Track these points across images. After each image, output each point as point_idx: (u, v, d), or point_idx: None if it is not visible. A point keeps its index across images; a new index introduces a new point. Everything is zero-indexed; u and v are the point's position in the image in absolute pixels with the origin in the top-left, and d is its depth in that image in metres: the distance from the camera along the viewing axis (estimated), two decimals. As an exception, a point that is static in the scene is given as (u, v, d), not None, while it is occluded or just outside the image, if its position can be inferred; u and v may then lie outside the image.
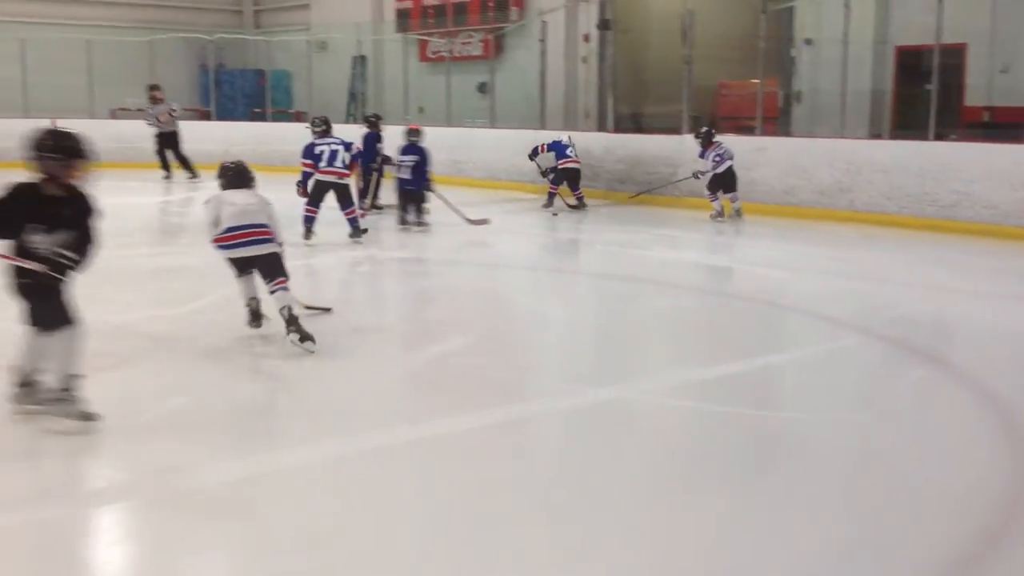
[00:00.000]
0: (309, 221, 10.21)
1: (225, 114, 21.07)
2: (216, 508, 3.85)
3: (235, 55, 23.69)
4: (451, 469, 4.27)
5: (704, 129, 12.59)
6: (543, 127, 15.99)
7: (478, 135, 16.88)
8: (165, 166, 16.67)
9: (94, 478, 4.24)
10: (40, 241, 4.45)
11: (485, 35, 18.57)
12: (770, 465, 4.46)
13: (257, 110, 21.23)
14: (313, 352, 5.88)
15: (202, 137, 17.74)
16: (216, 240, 6.23)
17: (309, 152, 10.22)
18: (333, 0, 21.79)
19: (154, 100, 16.97)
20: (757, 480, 4.26)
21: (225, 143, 18.11)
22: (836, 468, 4.44)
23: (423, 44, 19.95)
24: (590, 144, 14.96)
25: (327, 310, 7.07)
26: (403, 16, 20.26)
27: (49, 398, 4.59)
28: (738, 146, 12.58)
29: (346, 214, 10.34)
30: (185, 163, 16.51)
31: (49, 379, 4.61)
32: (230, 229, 6.19)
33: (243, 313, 6.35)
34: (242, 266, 6.31)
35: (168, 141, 16.62)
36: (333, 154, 10.19)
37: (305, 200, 10.20)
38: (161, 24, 22.15)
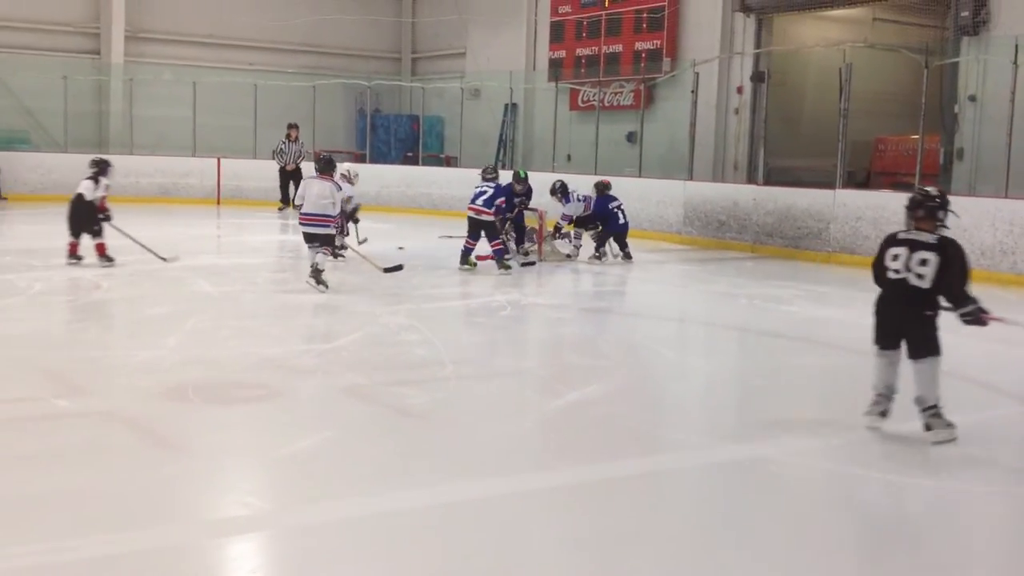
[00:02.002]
0: (465, 252, 11.46)
1: (379, 157, 21.70)
2: (353, 543, 3.89)
3: (391, 100, 24.42)
4: (584, 518, 4.21)
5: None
6: (690, 178, 15.86)
7: (624, 184, 16.83)
8: (285, 199, 17.45)
9: (236, 505, 4.34)
10: None
11: (636, 85, 18.60)
12: (918, 539, 4.23)
13: (409, 154, 21.80)
14: (324, 292, 7.36)
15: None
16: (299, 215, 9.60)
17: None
18: (488, 49, 22.24)
19: (290, 139, 17.78)
20: (900, 554, 4.04)
21: (377, 184, 18.66)
22: (989, 545, 4.18)
23: (574, 93, 20.12)
24: (738, 196, 14.76)
25: (399, 268, 10.25)
26: (556, 65, 20.51)
27: None
28: (894, 202, 12.16)
29: (492, 246, 11.35)
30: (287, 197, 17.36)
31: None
32: (303, 213, 9.59)
33: (387, 351, 6.45)
34: (308, 239, 9.58)
35: (292, 176, 17.44)
36: (478, 194, 11.32)
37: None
38: (323, 70, 23.04)
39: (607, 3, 19.31)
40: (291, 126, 18.43)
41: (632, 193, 16.42)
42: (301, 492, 4.40)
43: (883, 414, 5.52)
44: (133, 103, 21.30)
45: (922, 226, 5.42)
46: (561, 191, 12.59)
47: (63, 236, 10.60)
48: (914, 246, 5.35)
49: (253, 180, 20.20)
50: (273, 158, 18.30)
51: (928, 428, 5.35)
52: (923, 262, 5.28)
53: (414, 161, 21.27)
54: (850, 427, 5.69)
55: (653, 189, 16.06)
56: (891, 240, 5.51)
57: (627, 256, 12.64)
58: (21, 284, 9.37)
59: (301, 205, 9.73)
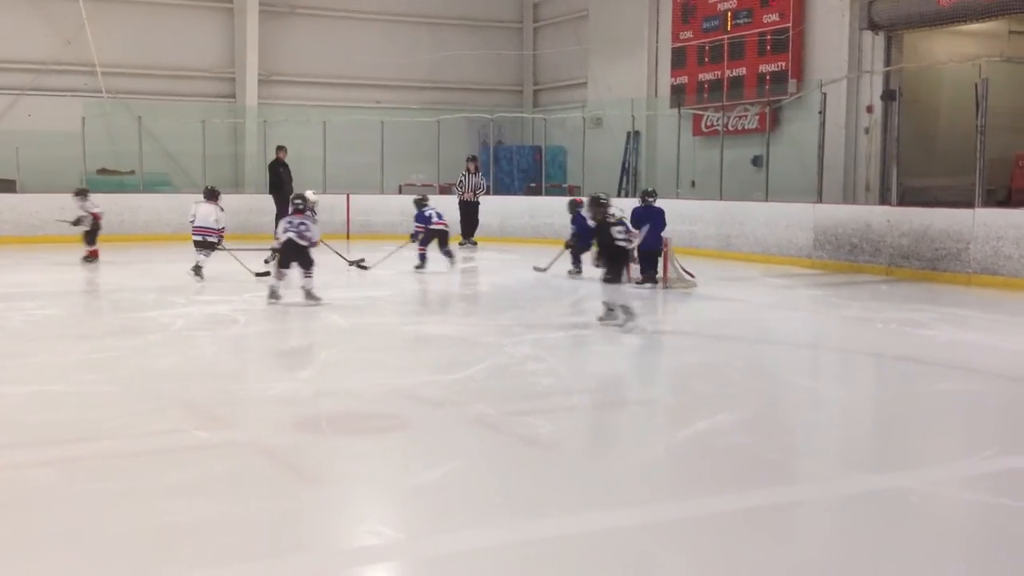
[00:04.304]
0: None
1: (502, 188, 21.93)
2: (484, 573, 3.90)
3: (513, 132, 24.68)
4: (716, 550, 4.13)
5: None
6: (820, 200, 15.51)
7: (751, 209, 16.60)
8: (465, 233, 17.67)
9: (368, 535, 4.41)
10: None
11: (761, 108, 18.33)
12: (1077, 573, 3.99)
13: (532, 184, 21.95)
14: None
15: (480, 210, 18.57)
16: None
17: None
18: (609, 78, 22.28)
19: (469, 171, 18.13)
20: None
21: (500, 216, 18.87)
22: None
23: (697, 118, 19.96)
24: (871, 217, 14.36)
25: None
26: (678, 91, 20.39)
27: None
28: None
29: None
30: (470, 231, 17.49)
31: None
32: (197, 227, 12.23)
33: (514, 381, 6.48)
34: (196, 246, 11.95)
35: (470, 210, 17.68)
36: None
37: None
38: (447, 105, 23.48)
39: (729, 27, 19.13)
40: (470, 159, 18.85)
41: (759, 217, 16.19)
42: (432, 522, 4.44)
43: None
44: (267, 144, 22.11)
45: None
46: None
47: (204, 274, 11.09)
48: None
49: (381, 215, 20.66)
50: (453, 191, 18.77)
51: None
52: None
53: (537, 192, 21.41)
54: (996, 456, 5.44)
55: (781, 213, 15.76)
56: None
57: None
58: (163, 320, 9.78)
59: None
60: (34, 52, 21.31)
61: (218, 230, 12.87)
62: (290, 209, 10.99)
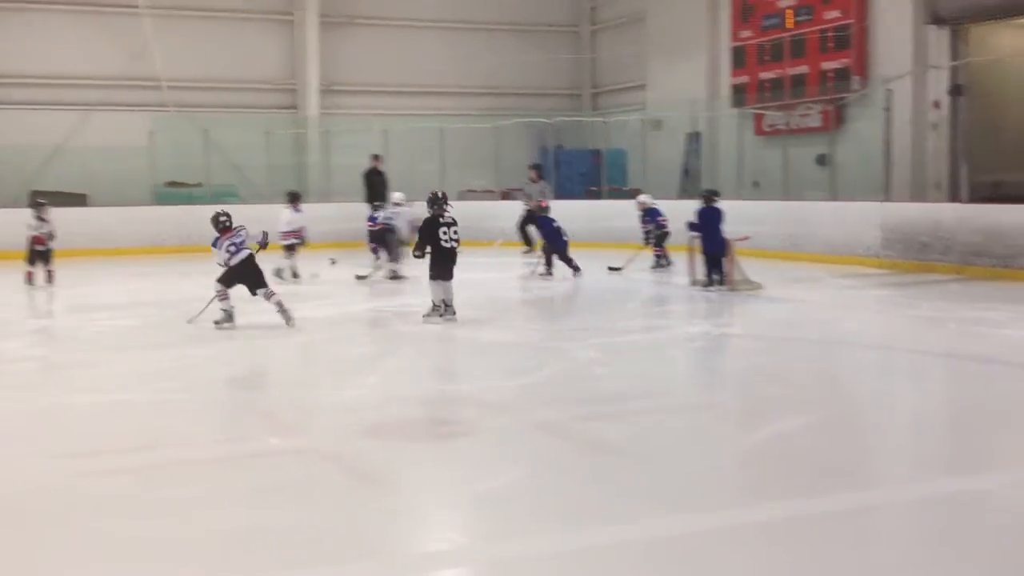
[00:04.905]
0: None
1: (563, 193, 21.86)
2: (550, 579, 3.91)
3: (572, 136, 24.63)
4: (788, 556, 4.07)
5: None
6: (887, 199, 15.25)
7: (816, 208, 16.38)
8: (527, 241, 17.62)
9: (438, 541, 4.43)
10: None
11: (825, 106, 18.08)
12: None
13: (593, 188, 21.88)
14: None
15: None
16: None
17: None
18: (669, 80, 22.15)
19: (533, 179, 18.09)
20: None
21: (561, 220, 18.78)
22: None
23: (759, 118, 19.75)
24: (941, 215, 14.09)
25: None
26: (739, 91, 20.20)
27: None
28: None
29: None
30: (528, 239, 17.44)
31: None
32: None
33: (580, 385, 6.47)
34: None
35: (533, 220, 17.64)
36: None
37: None
38: (505, 110, 23.51)
39: (790, 24, 18.91)
40: (531, 167, 18.77)
41: (825, 217, 15.97)
42: (501, 527, 4.46)
43: None
44: (329, 153, 22.36)
45: None
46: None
47: (272, 284, 11.18)
48: None
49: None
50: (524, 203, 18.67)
51: None
52: None
53: (597, 195, 21.34)
54: (1078, 458, 5.30)
55: (847, 212, 15.53)
56: None
57: (576, 269, 13.72)
58: (233, 329, 9.92)
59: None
60: (102, 69, 21.80)
61: (290, 232, 13.52)
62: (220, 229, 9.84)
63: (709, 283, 12.09)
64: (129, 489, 5.01)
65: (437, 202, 9.87)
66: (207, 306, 9.76)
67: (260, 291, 9.73)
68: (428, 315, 9.89)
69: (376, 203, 14.54)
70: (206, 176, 21.09)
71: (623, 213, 19.61)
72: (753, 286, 12.15)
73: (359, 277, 13.64)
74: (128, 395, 7.08)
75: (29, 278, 13.09)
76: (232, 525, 4.44)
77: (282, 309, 9.56)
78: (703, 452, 5.66)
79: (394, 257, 13.69)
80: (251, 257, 9.75)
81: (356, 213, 19.54)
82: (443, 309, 9.83)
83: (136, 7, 20.77)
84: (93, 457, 5.55)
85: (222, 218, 9.76)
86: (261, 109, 23.09)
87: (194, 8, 22.30)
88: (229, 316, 9.66)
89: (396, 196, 14.55)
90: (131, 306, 11.88)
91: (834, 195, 16.46)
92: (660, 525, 4.44)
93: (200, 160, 21.04)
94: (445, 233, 9.74)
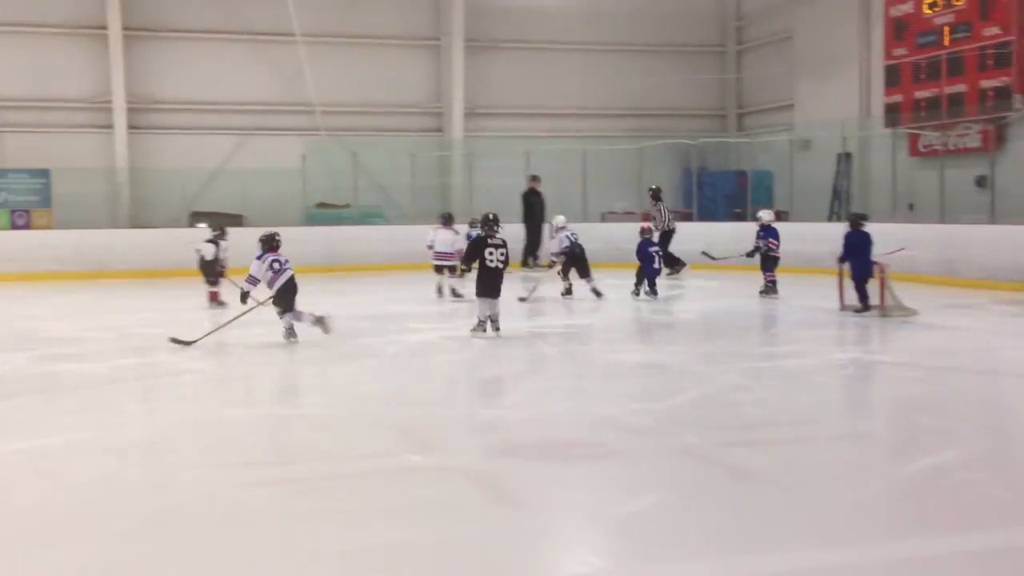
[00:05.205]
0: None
1: (706, 215, 21.61)
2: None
3: (717, 157, 24.32)
4: (945, 597, 3.87)
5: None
6: (1053, 222, 14.49)
7: (974, 232, 15.67)
8: (671, 263, 17.49)
9: (576, 563, 4.39)
10: None
11: (984, 126, 17.31)
12: None
13: (737, 210, 21.52)
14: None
15: (683, 237, 18.32)
16: None
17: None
18: (818, 99, 21.63)
19: (651, 204, 18.01)
20: None
21: (705, 242, 18.52)
22: None
23: (913, 138, 19.05)
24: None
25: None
26: (892, 110, 19.54)
27: None
28: None
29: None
30: (671, 260, 17.26)
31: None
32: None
33: (722, 411, 6.32)
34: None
35: (665, 239, 17.53)
36: None
37: None
38: (649, 132, 23.39)
39: (947, 42, 18.20)
40: (648, 191, 18.69)
41: (984, 241, 15.27)
42: (639, 552, 4.38)
43: None
44: (472, 175, 22.67)
45: None
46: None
47: (415, 303, 11.47)
48: None
49: (584, 243, 20.74)
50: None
51: None
52: None
53: (742, 217, 20.96)
54: None
55: (1010, 236, 14.80)
56: None
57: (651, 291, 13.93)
58: (377, 347, 10.15)
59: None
60: (259, 95, 22.73)
61: (454, 253, 13.75)
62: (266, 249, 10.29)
63: (860, 308, 11.69)
64: (274, 500, 5.15)
65: (488, 224, 10.41)
66: (216, 329, 10.28)
67: (289, 313, 10.13)
68: (475, 329, 10.35)
69: (560, 226, 14.54)
70: (354, 197, 21.69)
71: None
72: (907, 312, 11.67)
73: (521, 299, 13.64)
74: (276, 409, 7.30)
75: (215, 298, 13.46)
76: (371, 541, 4.50)
77: (290, 330, 10.10)
78: (851, 483, 5.44)
79: (588, 276, 13.86)
80: (293, 277, 10.20)
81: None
82: (488, 325, 10.27)
83: (292, 36, 21.58)
84: (240, 468, 5.73)
85: (277, 237, 10.35)
86: (407, 132, 23.62)
87: (346, 35, 23.05)
88: (292, 331, 10.16)
89: (559, 220, 14.69)
90: (278, 323, 12.24)
91: (993, 218, 15.72)
92: (802, 557, 4.29)
93: (348, 182, 21.68)
94: (491, 254, 10.27)
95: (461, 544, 4.45)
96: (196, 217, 20.70)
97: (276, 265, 10.12)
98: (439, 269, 14.13)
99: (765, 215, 14.55)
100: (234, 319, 10.40)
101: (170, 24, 22.26)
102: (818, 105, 21.48)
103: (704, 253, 14.88)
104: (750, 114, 25.20)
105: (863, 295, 11.73)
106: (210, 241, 13.62)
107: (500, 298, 10.36)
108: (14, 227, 20.23)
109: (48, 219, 20.49)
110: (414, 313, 12.68)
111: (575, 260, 13.92)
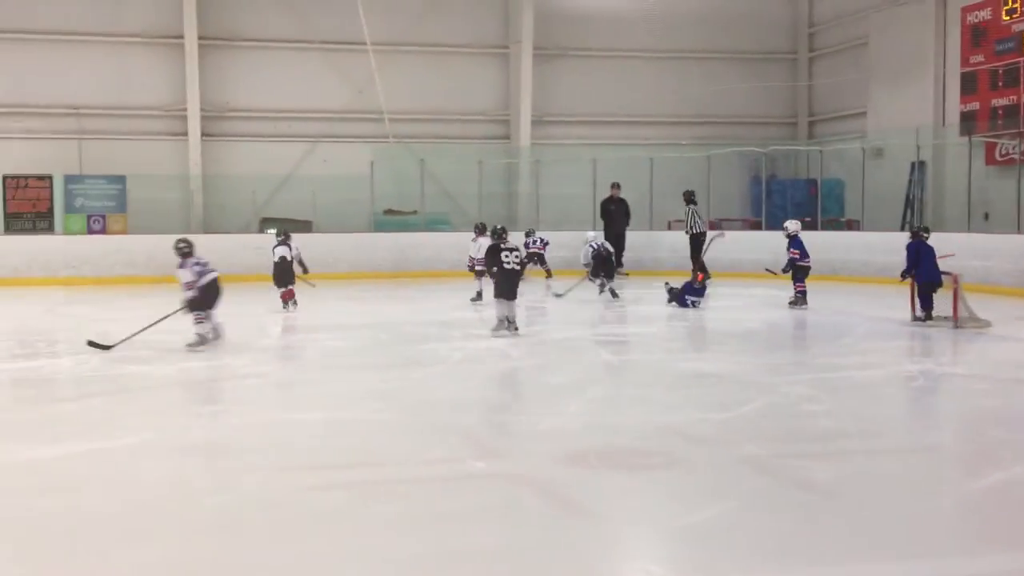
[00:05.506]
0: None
1: (775, 224, 21.28)
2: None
3: (786, 165, 24.02)
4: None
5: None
6: None
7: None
8: (703, 268, 17.40)
9: (639, 573, 4.37)
10: None
11: (1063, 134, 16.87)
12: None
13: (807, 219, 21.20)
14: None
15: (751, 246, 18.16)
16: None
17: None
18: (891, 107, 21.26)
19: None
20: None
21: (773, 252, 18.31)
22: None
23: (990, 146, 18.63)
24: None
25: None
26: (968, 118, 19.12)
27: None
28: None
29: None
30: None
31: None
32: None
33: (788, 422, 6.26)
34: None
35: (695, 244, 17.56)
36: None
37: None
38: (718, 139, 23.21)
39: (1026, 48, 17.78)
40: (684, 194, 18.76)
41: (1063, 252, 14.87)
42: (702, 563, 4.35)
43: None
44: (539, 183, 22.70)
45: None
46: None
47: (481, 309, 11.49)
48: None
49: (651, 251, 20.69)
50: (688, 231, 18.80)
51: None
52: None
53: (812, 226, 20.62)
54: None
55: (1088, 247, 14.40)
56: None
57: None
58: (443, 353, 10.22)
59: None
60: (329, 102, 23.03)
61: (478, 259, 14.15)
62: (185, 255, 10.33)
63: (924, 317, 11.49)
64: (340, 504, 5.21)
65: (497, 233, 11.31)
66: (139, 331, 10.27)
67: (206, 312, 10.16)
68: (495, 329, 11.00)
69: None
70: (421, 204, 21.85)
71: (838, 245, 18.99)
72: (981, 323, 11.42)
73: (557, 295, 15.07)
74: (342, 413, 7.38)
75: (290, 297, 13.81)
76: (437, 546, 4.54)
77: (199, 337, 10.09)
78: (920, 497, 5.34)
79: (610, 278, 15.09)
80: (217, 279, 10.28)
81: (565, 242, 19.75)
82: (507, 324, 10.90)
83: (363, 44, 21.83)
84: (307, 472, 5.81)
85: (185, 242, 10.35)
86: (475, 139, 23.74)
87: (416, 44, 23.25)
88: (203, 339, 10.15)
89: (589, 235, 15.86)
90: (349, 328, 12.41)
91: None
92: (867, 571, 4.23)
93: (416, 189, 21.84)
94: (507, 257, 10.96)
95: (523, 551, 4.47)
96: (266, 223, 21.04)
97: (198, 268, 10.26)
98: (479, 274, 14.53)
99: (791, 225, 14.40)
100: (151, 325, 10.41)
101: (244, 33, 22.67)
102: (892, 113, 21.11)
103: (768, 270, 14.86)
104: (821, 122, 24.86)
105: (927, 304, 11.55)
106: (282, 243, 13.94)
107: (516, 300, 10.97)
108: (91, 232, 20.73)
109: (123, 224, 20.96)
110: (479, 319, 12.73)
111: (602, 263, 14.98)
